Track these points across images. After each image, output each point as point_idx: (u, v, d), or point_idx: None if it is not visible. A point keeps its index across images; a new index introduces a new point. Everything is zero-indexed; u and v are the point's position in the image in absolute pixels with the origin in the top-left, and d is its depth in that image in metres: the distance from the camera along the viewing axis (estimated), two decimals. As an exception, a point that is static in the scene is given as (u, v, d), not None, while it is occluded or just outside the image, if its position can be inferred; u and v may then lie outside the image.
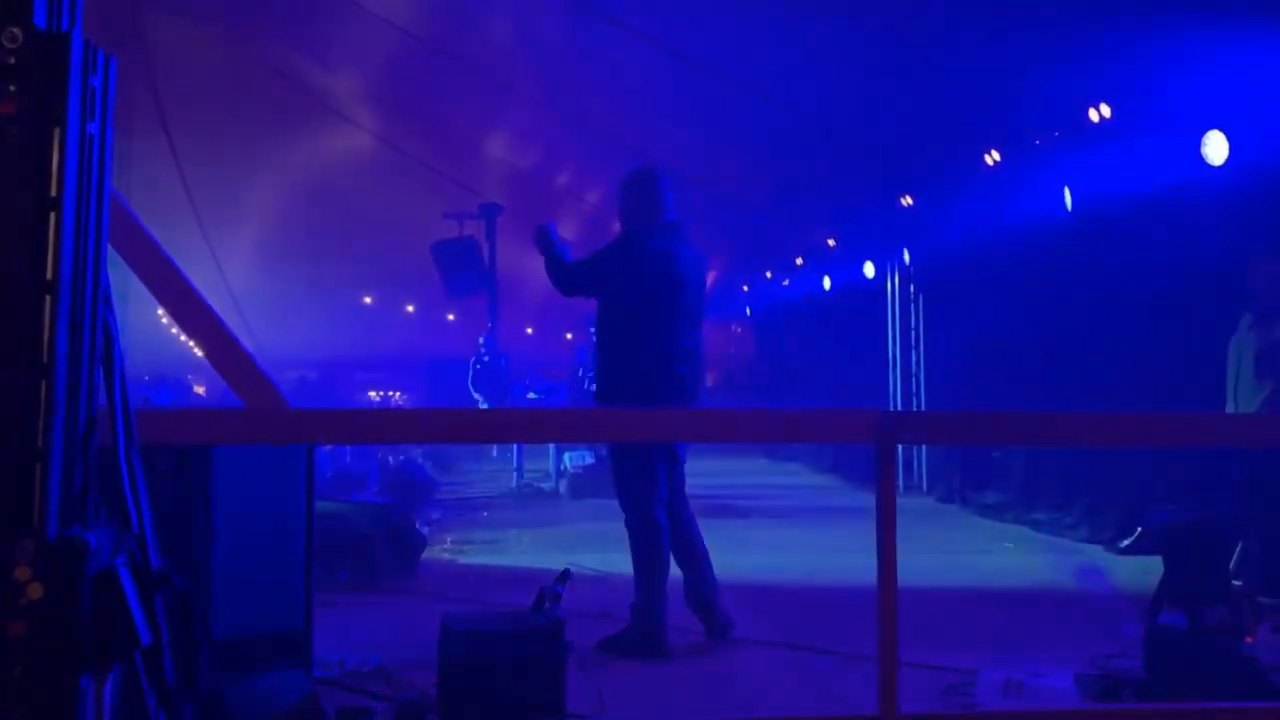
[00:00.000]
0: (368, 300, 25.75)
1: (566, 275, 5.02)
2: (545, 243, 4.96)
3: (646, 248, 4.89)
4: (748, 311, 15.03)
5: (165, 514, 2.28)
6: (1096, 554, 7.64)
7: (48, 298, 1.75)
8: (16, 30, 1.67)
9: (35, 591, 1.72)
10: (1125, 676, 4.11)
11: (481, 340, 12.89)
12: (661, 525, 4.93)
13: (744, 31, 7.92)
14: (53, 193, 1.73)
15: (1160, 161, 7.08)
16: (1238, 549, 5.77)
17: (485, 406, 12.02)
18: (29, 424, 1.76)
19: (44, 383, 1.76)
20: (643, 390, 4.84)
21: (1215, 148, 6.56)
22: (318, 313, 22.69)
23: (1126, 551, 7.44)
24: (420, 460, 11.99)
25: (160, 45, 13.33)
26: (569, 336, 23.52)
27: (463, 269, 12.73)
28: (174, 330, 20.13)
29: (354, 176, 16.85)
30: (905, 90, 8.08)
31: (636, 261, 4.90)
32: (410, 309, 26.23)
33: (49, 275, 1.75)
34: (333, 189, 17.33)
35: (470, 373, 12.82)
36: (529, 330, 24.13)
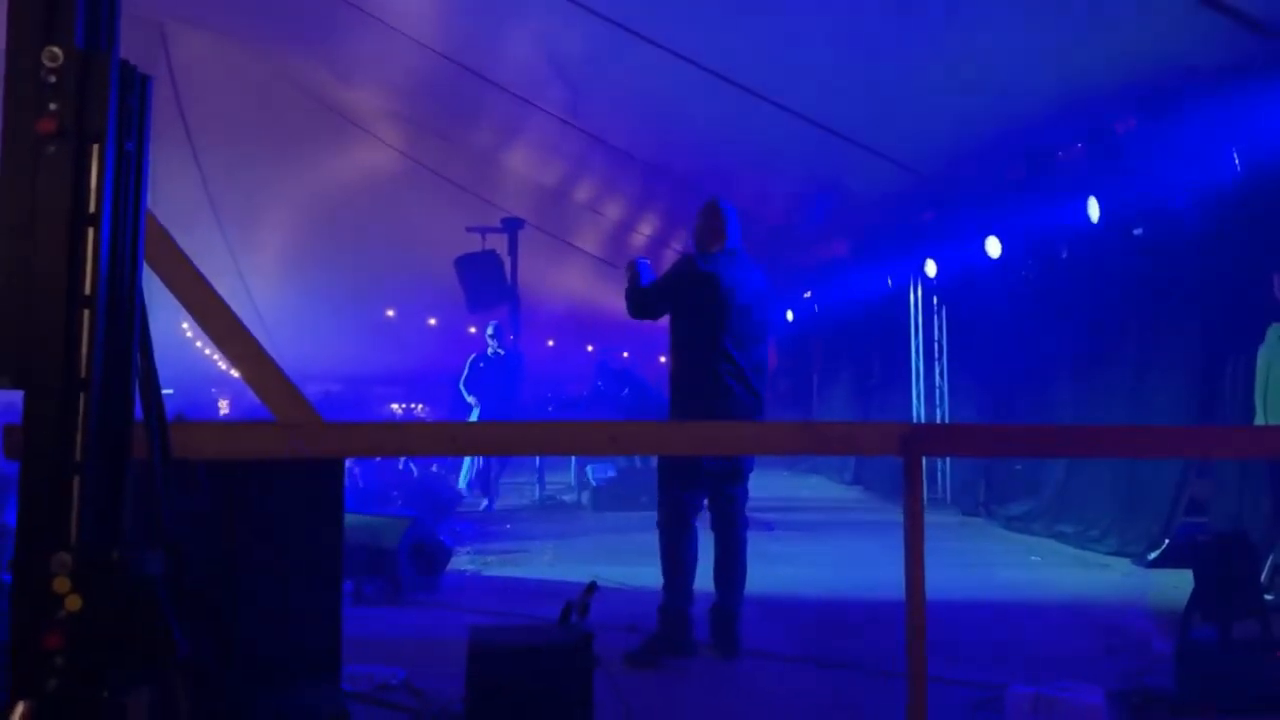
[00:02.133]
0: (390, 314, 25.85)
1: (632, 299, 5.31)
2: (632, 273, 5.33)
3: (694, 272, 5.15)
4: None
5: (197, 526, 2.30)
6: (1125, 567, 7.57)
7: (86, 312, 1.77)
8: (57, 50, 1.70)
9: (74, 604, 1.74)
10: (1156, 692, 4.08)
11: (490, 331, 12.01)
12: (687, 530, 5.08)
13: (766, 41, 7.93)
14: (91, 209, 1.76)
15: (1184, 173, 7.04)
16: (1269, 562, 5.72)
17: (476, 412, 11.53)
18: (67, 438, 1.78)
19: (82, 396, 1.78)
20: (692, 404, 5.07)
21: (1238, 155, 6.50)
22: (340, 326, 22.80)
23: (1155, 565, 7.37)
24: (444, 472, 12.03)
25: (184, 62, 13.48)
26: (590, 349, 23.55)
27: (485, 282, 12.77)
28: (199, 343, 20.29)
29: (377, 191, 16.94)
30: (927, 99, 8.05)
31: (686, 284, 5.17)
32: (432, 322, 26.32)
33: (87, 290, 1.77)
34: (356, 203, 17.43)
35: (466, 370, 11.96)
36: (550, 343, 24.17)
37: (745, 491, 5.26)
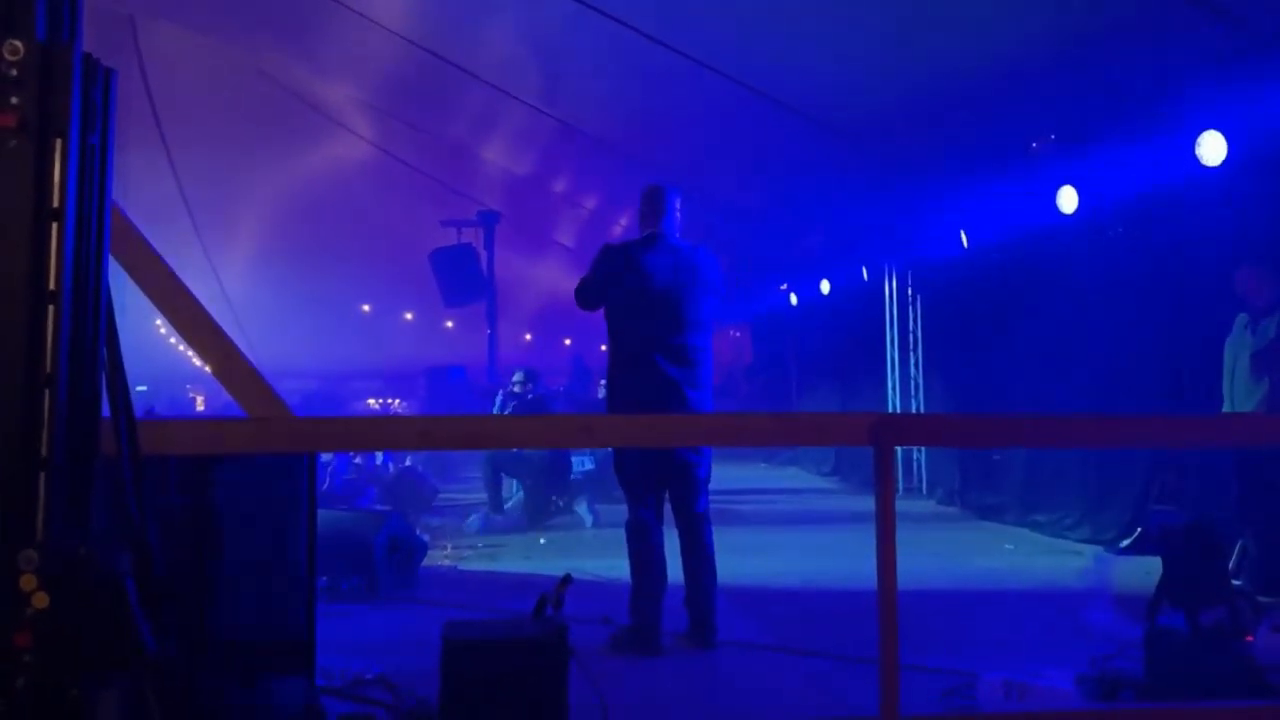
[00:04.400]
0: (366, 308, 25.76)
1: (576, 292, 5.32)
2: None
3: (611, 259, 5.20)
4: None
5: (167, 522, 2.29)
6: (1097, 555, 7.63)
7: (50, 308, 1.76)
8: (18, 43, 1.69)
9: (40, 601, 1.73)
10: (1125, 677, 4.12)
11: (519, 378, 10.71)
12: (648, 526, 5.11)
13: (743, 30, 7.93)
14: (54, 204, 1.75)
15: (1157, 163, 7.10)
16: (1236, 549, 5.79)
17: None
18: (33, 435, 1.77)
19: (47, 393, 1.77)
20: (623, 394, 5.12)
21: (1211, 148, 6.57)
22: (316, 321, 22.70)
23: (1126, 552, 7.44)
24: (420, 467, 11.99)
25: (155, 55, 13.36)
26: (568, 343, 23.55)
27: (461, 276, 12.73)
28: (172, 340, 20.14)
29: (351, 185, 16.86)
30: (904, 92, 8.08)
31: (605, 272, 5.19)
32: (409, 316, 26.24)
33: (51, 286, 1.76)
34: (330, 197, 17.34)
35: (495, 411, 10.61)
36: (527, 337, 24.17)
37: (704, 485, 5.24)
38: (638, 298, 5.09)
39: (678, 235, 5.29)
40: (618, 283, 5.14)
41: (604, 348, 5.46)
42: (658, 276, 5.10)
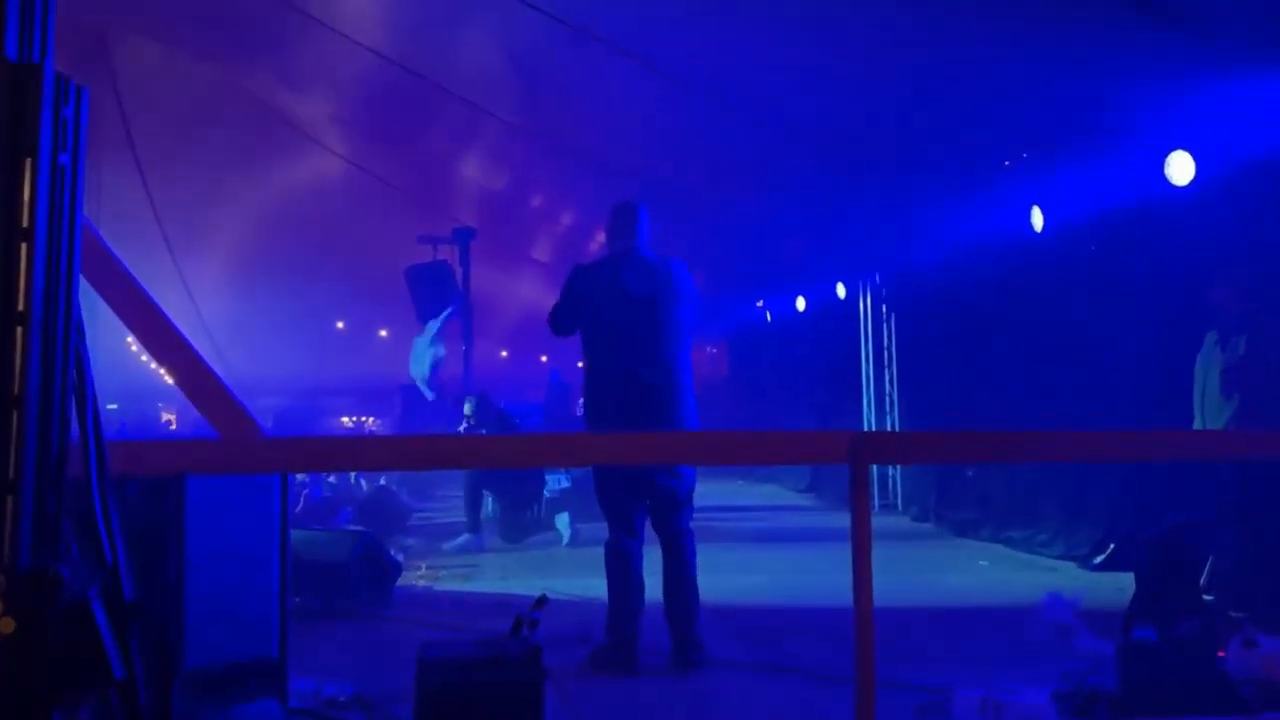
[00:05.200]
0: (340, 325, 25.62)
1: (549, 318, 5.29)
2: None
3: (579, 277, 5.20)
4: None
5: (138, 543, 2.26)
6: (1070, 571, 7.68)
7: (19, 329, 1.74)
8: (-13, 62, 1.68)
9: (6, 625, 1.70)
10: (1100, 692, 4.14)
11: (468, 412, 10.55)
12: (625, 547, 5.07)
13: (718, 44, 7.97)
14: (24, 224, 1.73)
15: (1127, 181, 7.18)
16: (1209, 563, 5.83)
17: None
18: (0, 456, 1.74)
19: (15, 414, 1.75)
20: (598, 411, 5.10)
21: (1180, 168, 6.66)
22: (289, 338, 22.54)
23: (1100, 568, 7.50)
24: (394, 487, 11.92)
25: (127, 70, 13.28)
26: (544, 359, 23.51)
27: (436, 293, 12.68)
28: (144, 358, 19.96)
29: (325, 201, 16.78)
30: (878, 110, 8.14)
31: (575, 291, 5.18)
32: (384, 334, 26.12)
33: (20, 306, 1.74)
34: (304, 213, 17.24)
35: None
36: (503, 353, 24.11)
37: (686, 502, 5.19)
38: (614, 313, 5.06)
39: (648, 249, 5.27)
40: (593, 301, 5.11)
41: (580, 364, 5.43)
42: (633, 290, 5.07)
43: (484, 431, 10.21)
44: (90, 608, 1.79)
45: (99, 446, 2.00)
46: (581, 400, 5.27)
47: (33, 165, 1.74)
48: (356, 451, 3.68)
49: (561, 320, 5.22)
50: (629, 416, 4.93)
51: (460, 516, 9.85)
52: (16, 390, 1.77)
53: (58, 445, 1.86)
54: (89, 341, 1.98)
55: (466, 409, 10.56)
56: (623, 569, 5.04)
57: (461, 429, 10.46)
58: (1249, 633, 4.38)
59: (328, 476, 11.29)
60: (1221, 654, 4.18)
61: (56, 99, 1.79)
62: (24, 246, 1.74)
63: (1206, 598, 5.22)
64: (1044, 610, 5.38)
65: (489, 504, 10.34)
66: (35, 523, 1.82)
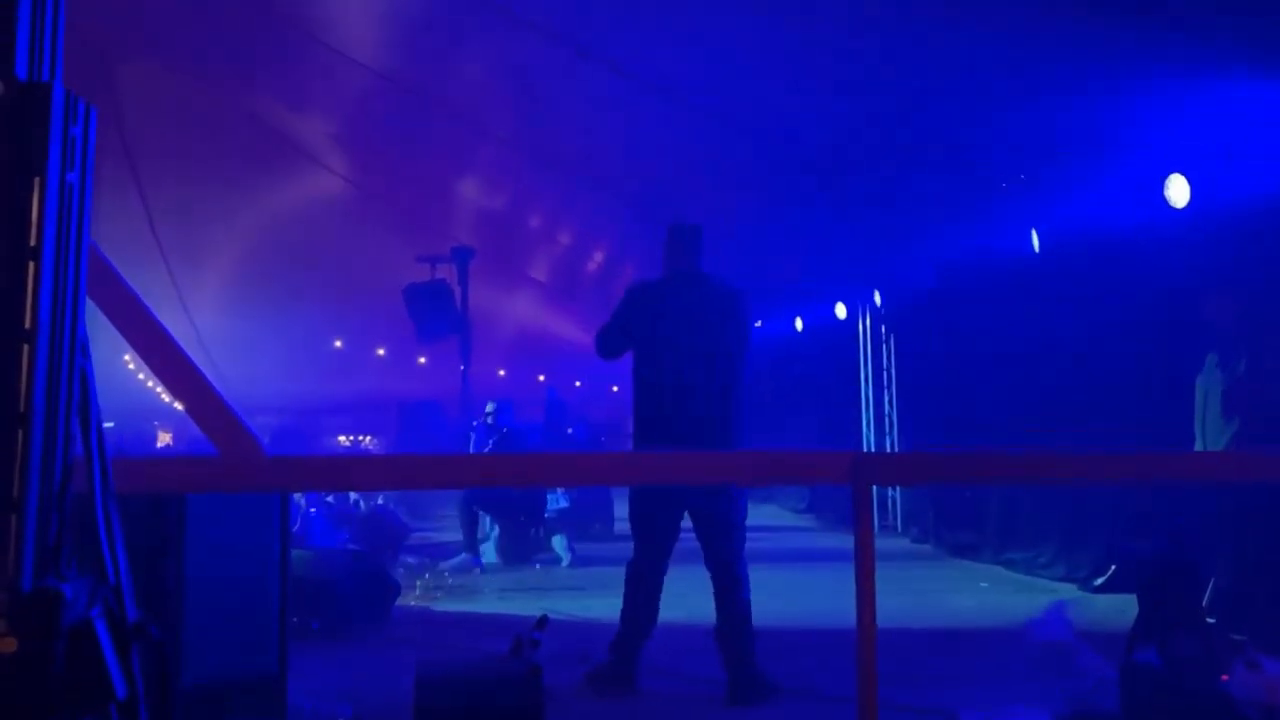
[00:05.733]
0: (338, 344, 25.63)
1: (596, 341, 5.25)
2: None
3: (630, 298, 5.16)
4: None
5: (139, 562, 2.25)
6: (1071, 592, 7.66)
7: (25, 347, 1.74)
8: (-3, 81, 1.68)
9: (8, 645, 1.69)
10: (1102, 715, 4.12)
11: (490, 411, 10.58)
12: (645, 570, 4.98)
13: (718, 65, 8.00)
14: (32, 242, 1.73)
15: (1126, 202, 7.20)
16: (1210, 585, 5.81)
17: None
18: (4, 474, 1.74)
19: (20, 432, 1.74)
20: (642, 429, 5.02)
21: (1178, 191, 6.68)
22: (287, 356, 22.55)
23: (1101, 589, 7.48)
24: (392, 506, 11.88)
25: (128, 89, 13.32)
26: (541, 378, 23.50)
27: (435, 312, 12.68)
28: (141, 375, 19.94)
29: (324, 220, 16.82)
30: (877, 131, 8.18)
31: (624, 311, 5.14)
32: (381, 352, 26.12)
33: (27, 325, 1.74)
34: (303, 233, 17.28)
35: (471, 447, 10.62)
36: (501, 372, 24.09)
37: (736, 532, 4.99)
38: (671, 332, 4.98)
39: (707, 272, 5.20)
40: (649, 319, 5.04)
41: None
42: (691, 310, 5.02)
43: (504, 432, 10.25)
44: (93, 627, 1.78)
45: (103, 465, 1.99)
46: (631, 419, 5.18)
47: (41, 184, 1.73)
48: (353, 471, 3.66)
49: (613, 340, 5.16)
50: (681, 436, 4.82)
51: (459, 536, 9.83)
52: (21, 408, 1.76)
53: (62, 463, 1.85)
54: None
55: (489, 408, 10.58)
56: (638, 593, 4.95)
57: (474, 439, 10.49)
58: (1252, 655, 4.36)
59: (325, 495, 11.25)
60: (1225, 677, 4.16)
61: (65, 118, 1.79)
62: (31, 265, 1.74)
63: (1209, 620, 5.20)
64: (1044, 623, 5.36)
65: (487, 524, 10.31)
66: (38, 541, 1.81)
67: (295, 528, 8.91)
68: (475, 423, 10.87)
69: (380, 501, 11.87)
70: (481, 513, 9.95)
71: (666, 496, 4.94)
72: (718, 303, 5.10)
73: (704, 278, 5.14)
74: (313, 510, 9.75)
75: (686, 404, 4.90)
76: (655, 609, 4.98)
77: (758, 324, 15.29)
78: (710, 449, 4.79)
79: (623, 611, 4.99)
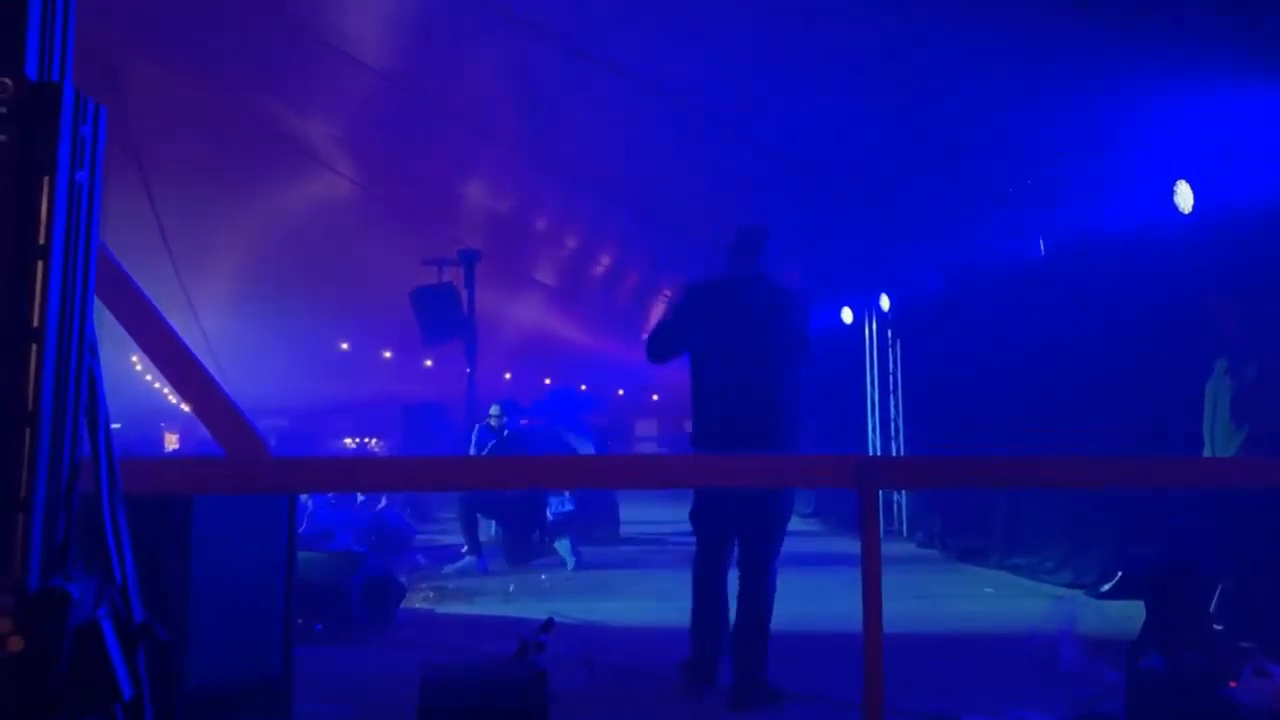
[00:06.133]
0: (344, 346, 25.66)
1: (647, 345, 5.23)
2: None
3: (683, 299, 5.18)
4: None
5: (144, 563, 2.26)
6: (1078, 598, 7.63)
7: (33, 346, 1.74)
8: (7, 80, 1.68)
9: (15, 644, 1.69)
10: (1108, 721, 4.11)
11: (495, 413, 10.53)
12: (709, 569, 4.98)
13: (724, 71, 8.00)
14: (41, 241, 1.73)
15: (1132, 207, 7.19)
16: (1218, 592, 5.79)
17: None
18: (11, 473, 1.73)
19: (28, 431, 1.74)
20: (714, 428, 4.99)
21: (1183, 196, 6.67)
22: (293, 358, 22.58)
23: (1108, 596, 7.45)
24: (397, 508, 11.89)
25: (135, 92, 13.35)
26: (547, 381, 23.51)
27: (441, 315, 12.66)
28: (148, 376, 19.97)
29: (331, 222, 16.84)
30: (883, 137, 8.17)
31: (680, 313, 5.16)
32: (387, 355, 26.15)
33: (35, 323, 1.74)
34: (310, 235, 17.31)
35: (472, 447, 10.56)
36: (507, 375, 24.10)
37: (774, 541, 4.99)
38: (735, 331, 4.97)
39: (769, 274, 5.21)
40: (709, 319, 5.02)
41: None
42: (744, 312, 5.01)
43: (505, 435, 10.24)
44: (100, 627, 1.78)
45: (110, 465, 1.99)
46: (690, 420, 5.15)
47: (50, 183, 1.74)
48: (359, 472, 3.67)
49: (668, 343, 5.13)
50: (738, 438, 4.82)
51: (462, 538, 9.83)
52: (29, 407, 1.76)
53: (69, 463, 1.85)
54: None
55: (494, 410, 10.57)
56: (704, 591, 4.96)
57: (475, 439, 10.48)
58: (1260, 662, 4.34)
59: (329, 498, 11.26)
60: (1232, 684, 4.14)
61: (75, 117, 1.80)
62: (40, 264, 1.74)
63: (1216, 627, 5.18)
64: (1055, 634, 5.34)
65: (491, 527, 10.31)
66: (45, 541, 1.81)
67: (301, 529, 8.93)
68: (478, 425, 10.87)
69: (384, 504, 11.88)
70: (482, 516, 9.95)
71: (718, 496, 4.95)
72: (771, 302, 5.09)
73: (759, 278, 5.12)
74: (307, 512, 9.77)
75: (742, 405, 4.90)
76: (721, 607, 4.97)
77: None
78: (766, 450, 4.77)
79: (692, 607, 4.98)
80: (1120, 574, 7.44)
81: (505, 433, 10.38)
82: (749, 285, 5.09)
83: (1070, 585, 7.95)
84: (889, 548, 10.38)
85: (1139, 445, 7.47)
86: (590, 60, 8.31)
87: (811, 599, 7.61)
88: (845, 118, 8.10)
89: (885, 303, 11.36)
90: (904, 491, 11.69)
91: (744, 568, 4.98)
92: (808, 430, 14.58)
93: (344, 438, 25.48)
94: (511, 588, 8.41)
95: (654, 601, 7.38)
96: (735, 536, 5.01)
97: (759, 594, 4.93)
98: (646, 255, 15.35)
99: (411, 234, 15.47)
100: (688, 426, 5.21)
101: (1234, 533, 5.92)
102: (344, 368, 25.31)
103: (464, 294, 12.68)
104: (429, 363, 23.80)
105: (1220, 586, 5.76)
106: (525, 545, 9.84)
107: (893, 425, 12.13)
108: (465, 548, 9.61)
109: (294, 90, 12.52)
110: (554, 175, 11.98)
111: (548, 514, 10.18)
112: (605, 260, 16.21)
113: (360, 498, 11.62)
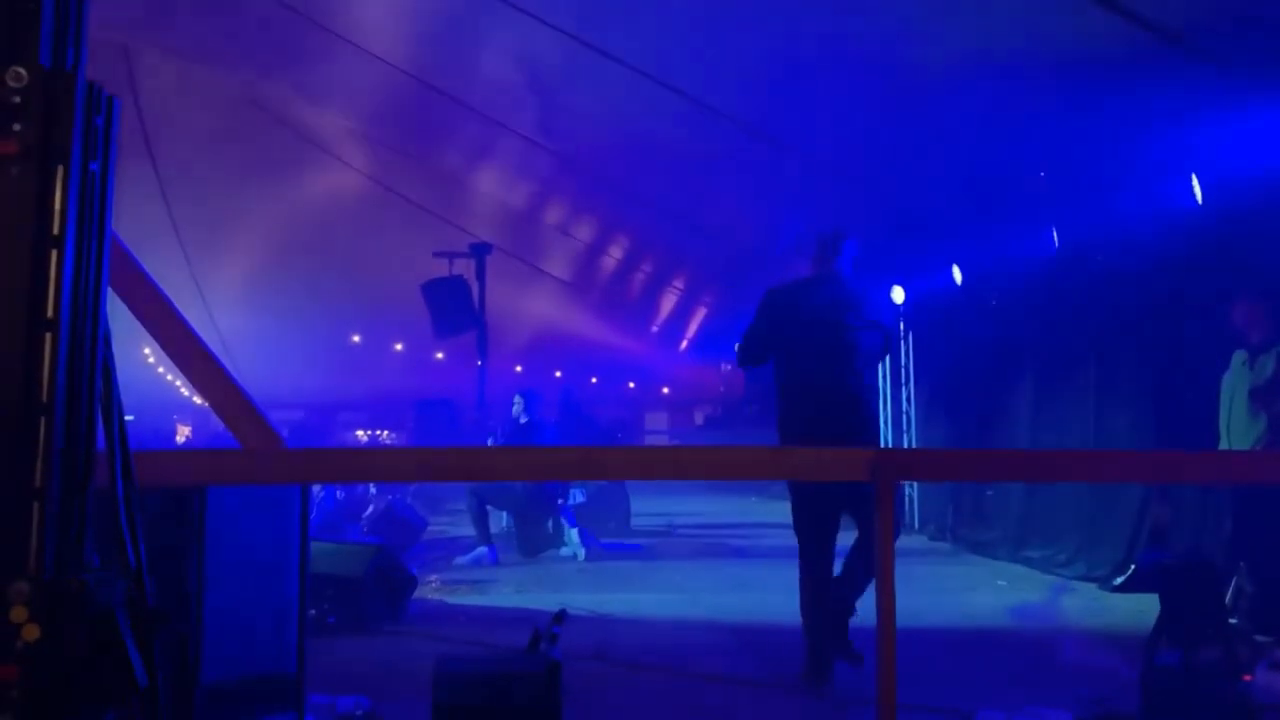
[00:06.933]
0: (356, 339, 25.70)
1: (738, 350, 5.30)
2: None
3: (767, 301, 5.22)
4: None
5: (158, 554, 2.26)
6: (1090, 592, 7.61)
7: (48, 336, 1.74)
8: (21, 70, 1.67)
9: (31, 634, 1.69)
10: (1122, 717, 4.09)
11: (519, 402, 10.55)
12: (818, 573, 5.05)
13: (735, 66, 7.98)
14: (55, 231, 1.72)
15: (1146, 202, 7.15)
16: (1232, 587, 5.77)
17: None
18: (27, 464, 1.74)
19: (43, 422, 1.74)
20: (801, 424, 5.08)
21: (1198, 191, 6.65)
22: (304, 352, 22.62)
23: (1120, 589, 7.42)
24: (408, 500, 11.91)
25: (149, 84, 13.37)
26: (558, 375, 23.52)
27: (452, 308, 12.65)
28: (160, 369, 20.04)
29: (343, 215, 16.84)
30: (899, 134, 8.14)
31: (764, 315, 5.21)
32: (399, 348, 26.18)
33: (49, 314, 1.73)
34: (321, 227, 17.31)
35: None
36: (518, 369, 24.11)
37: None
38: (818, 331, 5.07)
39: (848, 275, 5.27)
40: (794, 320, 5.12)
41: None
42: (826, 312, 5.10)
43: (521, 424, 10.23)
44: (115, 618, 1.78)
45: (125, 456, 1.99)
46: (777, 417, 5.22)
47: (64, 172, 1.73)
48: (373, 464, 3.66)
49: (756, 347, 5.22)
50: (827, 435, 4.89)
51: (474, 530, 9.85)
52: (44, 398, 1.76)
53: (84, 454, 1.85)
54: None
55: (516, 400, 10.59)
56: (808, 588, 5.02)
57: (514, 418, 10.50)
58: (1275, 656, 4.32)
59: (338, 490, 11.29)
60: (1247, 678, 4.12)
61: (88, 107, 1.79)
62: (54, 254, 1.73)
63: (1231, 622, 5.16)
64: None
65: (503, 518, 10.31)
66: (61, 531, 1.81)
67: (311, 520, 8.94)
68: (497, 428, 10.89)
69: (394, 496, 11.91)
70: (493, 508, 9.96)
71: (826, 493, 5.00)
72: (852, 301, 5.18)
73: (835, 277, 5.21)
74: (319, 503, 9.80)
75: (829, 404, 4.99)
76: (808, 596, 5.03)
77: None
78: (853, 441, 4.85)
79: (804, 618, 5.02)
80: (1133, 568, 7.42)
81: (524, 420, 10.39)
82: (816, 285, 5.20)
83: (1083, 579, 7.92)
84: (901, 540, 10.35)
85: (1150, 439, 7.44)
86: (603, 55, 8.29)
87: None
88: (860, 116, 8.08)
89: (898, 296, 11.32)
90: (916, 484, 11.66)
91: (856, 555, 5.05)
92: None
93: (356, 430, 25.54)
94: (522, 584, 8.43)
95: (666, 594, 7.38)
96: (835, 536, 5.10)
97: (871, 567, 5.00)
98: (658, 249, 15.34)
99: (423, 227, 15.47)
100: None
101: (1250, 527, 5.89)
102: (355, 360, 25.35)
103: (475, 287, 12.67)
104: (440, 355, 23.81)
105: (1235, 581, 5.75)
106: (539, 536, 9.86)
107: (904, 419, 12.10)
108: (477, 539, 9.62)
109: (307, 82, 12.52)
110: (565, 168, 11.97)
111: (559, 503, 10.17)
112: (616, 253, 16.20)
113: (372, 489, 11.65)
